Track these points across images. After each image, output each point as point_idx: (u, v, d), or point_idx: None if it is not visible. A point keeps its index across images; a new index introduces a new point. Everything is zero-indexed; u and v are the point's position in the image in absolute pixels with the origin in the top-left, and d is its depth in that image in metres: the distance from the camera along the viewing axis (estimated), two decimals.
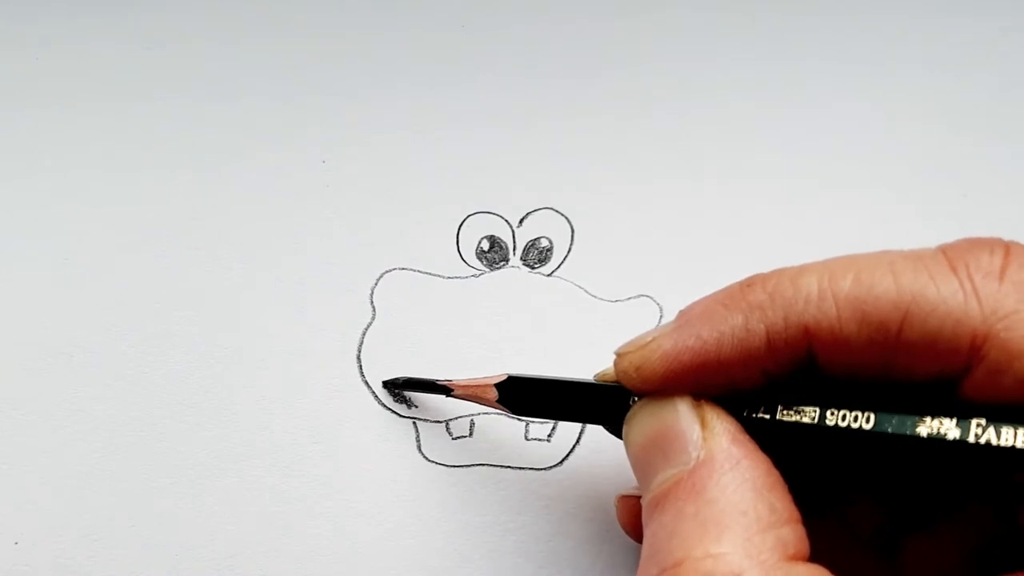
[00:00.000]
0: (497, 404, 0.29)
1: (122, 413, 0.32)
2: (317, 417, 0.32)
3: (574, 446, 0.32)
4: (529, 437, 0.32)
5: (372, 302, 0.34)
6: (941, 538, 0.25)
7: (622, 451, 0.32)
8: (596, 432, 0.32)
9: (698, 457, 0.23)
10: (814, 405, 0.23)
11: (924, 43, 0.38)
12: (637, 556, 0.31)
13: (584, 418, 0.27)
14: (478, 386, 0.29)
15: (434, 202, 0.35)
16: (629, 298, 0.34)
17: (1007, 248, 0.22)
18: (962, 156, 0.36)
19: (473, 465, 0.32)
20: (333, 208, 0.35)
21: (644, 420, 0.25)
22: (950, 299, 0.21)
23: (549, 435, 0.32)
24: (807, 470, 0.25)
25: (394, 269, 0.34)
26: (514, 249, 0.35)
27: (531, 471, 0.32)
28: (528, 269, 0.34)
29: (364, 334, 0.33)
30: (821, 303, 0.22)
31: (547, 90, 0.37)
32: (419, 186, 0.35)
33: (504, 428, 0.32)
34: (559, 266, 0.34)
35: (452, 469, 0.32)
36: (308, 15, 0.38)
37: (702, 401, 0.24)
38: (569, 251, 0.35)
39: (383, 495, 0.32)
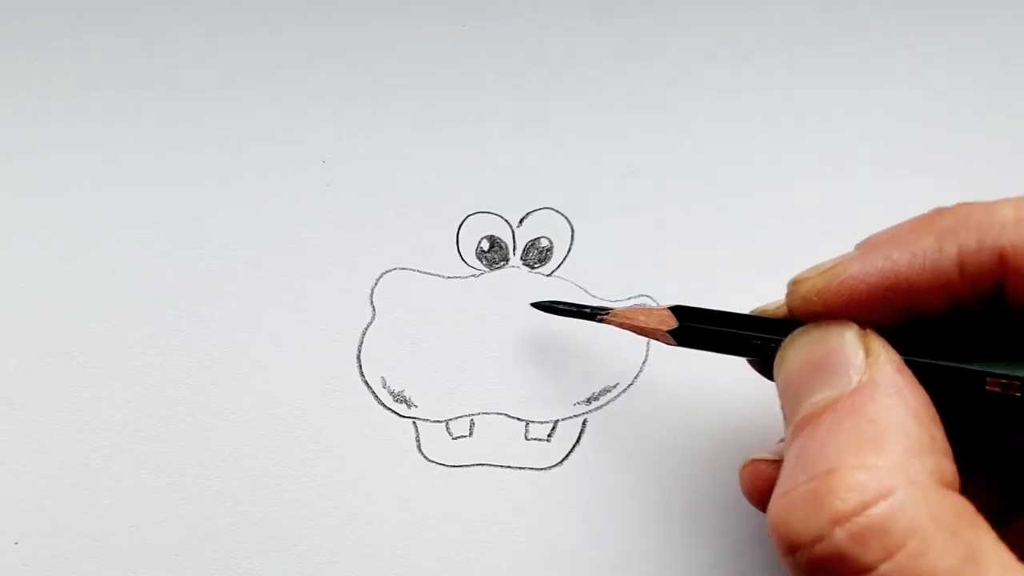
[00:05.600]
0: (664, 334, 0.28)
1: (122, 413, 0.32)
2: (317, 417, 0.32)
3: (574, 446, 0.32)
4: (529, 437, 0.32)
5: (372, 302, 0.34)
6: None
7: (622, 451, 0.32)
8: (596, 432, 0.32)
9: (859, 380, 0.22)
10: (980, 355, 0.23)
11: (923, 41, 0.38)
12: (637, 556, 0.31)
13: (745, 351, 0.27)
14: (649, 311, 0.28)
15: (434, 202, 0.35)
16: (629, 298, 0.34)
17: None
18: (964, 154, 0.36)
19: (473, 465, 0.32)
20: (333, 208, 0.35)
21: (804, 344, 0.24)
22: None
23: (549, 435, 0.32)
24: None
25: (394, 269, 0.34)
26: (514, 249, 0.35)
27: (531, 471, 0.32)
28: (528, 269, 0.34)
29: (364, 334, 0.33)
30: (1018, 227, 0.22)
31: (547, 90, 0.37)
32: (419, 186, 0.35)
33: (504, 428, 0.32)
34: (559, 266, 0.34)
35: (452, 469, 0.32)
36: (308, 15, 0.38)
37: (868, 330, 0.24)
38: (569, 251, 0.35)
39: (383, 495, 0.32)
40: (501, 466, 0.32)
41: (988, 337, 0.23)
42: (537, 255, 0.35)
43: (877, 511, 0.20)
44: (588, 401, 0.33)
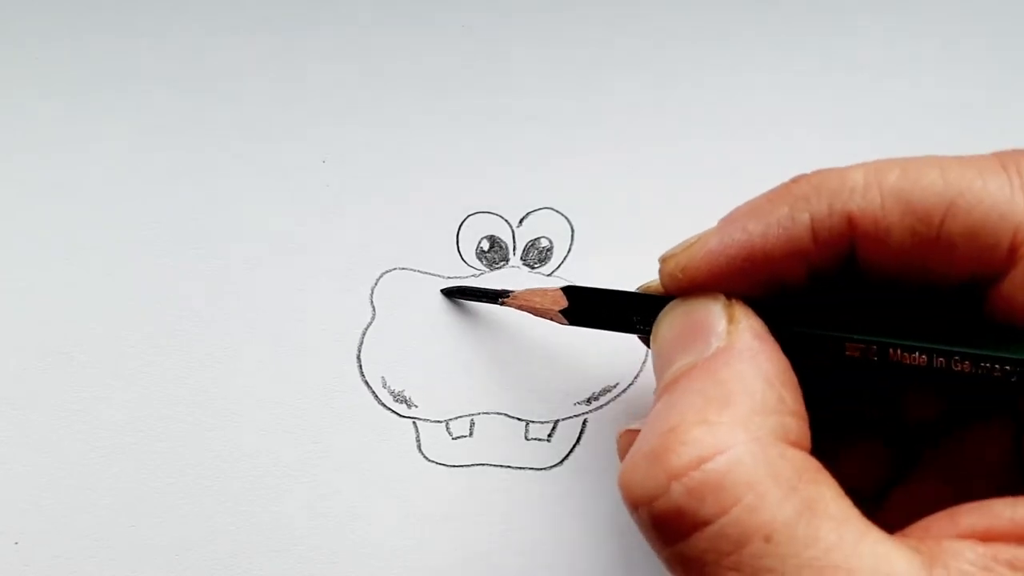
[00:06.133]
0: (556, 314, 0.29)
1: (122, 413, 0.32)
2: (317, 417, 0.32)
3: (574, 446, 0.32)
4: (529, 437, 0.32)
5: (372, 302, 0.34)
6: (933, 481, 0.26)
7: None
8: (596, 432, 0.32)
9: (718, 346, 0.23)
10: (846, 321, 0.24)
11: (921, 42, 0.38)
12: (637, 555, 0.31)
13: (630, 328, 0.28)
14: (543, 292, 0.30)
15: (434, 202, 0.35)
16: None
17: None
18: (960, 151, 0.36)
19: (473, 465, 0.32)
20: (333, 208, 0.35)
21: (674, 317, 0.25)
22: (996, 192, 0.21)
23: (549, 435, 0.32)
24: (823, 403, 0.25)
25: (394, 269, 0.34)
26: (514, 249, 0.35)
27: (531, 471, 0.32)
28: (528, 269, 0.34)
29: (364, 334, 0.33)
30: (866, 192, 0.22)
31: (547, 90, 0.37)
32: (419, 186, 0.35)
33: (504, 428, 0.32)
34: (559, 266, 0.34)
35: (452, 469, 0.32)
36: (308, 15, 0.38)
37: (734, 300, 0.24)
38: (569, 251, 0.35)
39: (383, 495, 0.32)
40: (501, 466, 0.32)
41: (849, 303, 0.24)
42: (537, 255, 0.35)
43: (713, 466, 0.20)
44: (588, 401, 0.33)
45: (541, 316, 0.30)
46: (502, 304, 0.31)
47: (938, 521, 0.21)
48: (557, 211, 0.35)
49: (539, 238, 0.35)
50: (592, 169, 0.36)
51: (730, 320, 0.23)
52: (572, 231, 0.35)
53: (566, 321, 0.29)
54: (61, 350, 0.33)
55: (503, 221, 0.35)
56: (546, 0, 0.38)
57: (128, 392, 0.33)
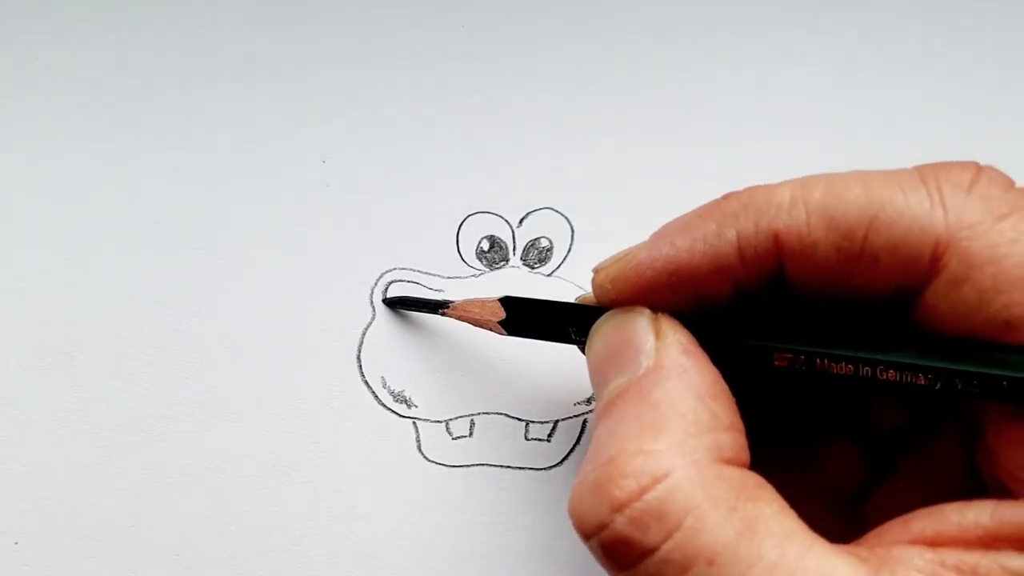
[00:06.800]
0: (495, 325, 0.29)
1: (122, 413, 0.32)
2: (317, 417, 0.32)
3: (574, 446, 0.32)
4: (529, 437, 0.32)
5: (372, 302, 0.34)
6: (906, 484, 0.26)
7: None
8: None
9: (648, 365, 0.23)
10: (777, 332, 0.24)
11: (922, 42, 0.38)
12: None
13: (566, 339, 0.28)
14: (482, 303, 0.30)
15: (434, 202, 0.35)
16: None
17: (978, 167, 0.22)
18: (961, 151, 0.36)
19: (473, 465, 0.32)
20: (333, 208, 0.35)
21: (605, 332, 0.25)
22: (916, 207, 0.21)
23: (549, 435, 0.32)
24: (788, 416, 0.26)
25: (394, 269, 0.34)
26: (514, 249, 0.35)
27: (531, 471, 0.32)
28: (528, 269, 0.34)
29: (364, 334, 0.33)
30: (792, 209, 0.23)
31: (547, 90, 0.37)
32: (419, 186, 0.35)
33: (504, 428, 0.32)
34: (559, 266, 0.34)
35: (452, 469, 0.32)
36: (309, 15, 0.38)
37: (660, 314, 0.24)
38: (569, 251, 0.35)
39: (383, 495, 0.32)
40: (501, 466, 0.32)
41: (779, 317, 0.24)
42: (537, 255, 0.35)
43: (653, 495, 0.21)
44: (588, 401, 0.33)
45: (480, 327, 0.30)
46: (442, 315, 0.31)
47: (892, 527, 0.21)
48: (557, 211, 0.35)
49: (539, 238, 0.35)
50: (592, 169, 0.36)
51: (657, 336, 0.24)
52: (572, 231, 0.35)
53: (504, 332, 0.29)
54: (61, 350, 0.33)
55: (503, 221, 0.35)
56: (545, 0, 0.38)
57: (128, 392, 0.33)
